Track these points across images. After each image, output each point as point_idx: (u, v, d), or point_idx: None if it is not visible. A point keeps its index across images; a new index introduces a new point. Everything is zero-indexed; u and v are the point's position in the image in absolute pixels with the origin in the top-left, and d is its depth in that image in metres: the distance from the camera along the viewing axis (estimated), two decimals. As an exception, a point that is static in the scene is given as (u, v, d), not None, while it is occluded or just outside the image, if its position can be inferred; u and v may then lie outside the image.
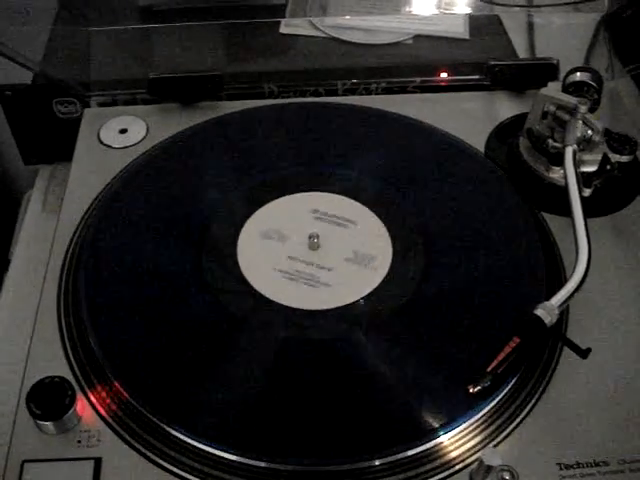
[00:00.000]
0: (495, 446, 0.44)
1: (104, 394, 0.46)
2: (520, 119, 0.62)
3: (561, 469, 0.43)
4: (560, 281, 0.52)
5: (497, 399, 0.45)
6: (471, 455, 0.44)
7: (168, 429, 0.44)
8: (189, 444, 0.44)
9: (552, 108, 0.58)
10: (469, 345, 0.48)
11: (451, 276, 0.52)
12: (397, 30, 0.75)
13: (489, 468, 0.41)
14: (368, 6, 0.76)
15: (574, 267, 0.48)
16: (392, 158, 0.61)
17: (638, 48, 0.70)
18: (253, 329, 0.49)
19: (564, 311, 0.50)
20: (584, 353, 0.45)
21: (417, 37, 0.75)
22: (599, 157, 0.56)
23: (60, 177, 0.67)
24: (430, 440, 0.44)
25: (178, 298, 0.51)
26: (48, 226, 0.59)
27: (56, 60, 0.68)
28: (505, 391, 0.46)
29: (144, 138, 0.63)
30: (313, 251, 0.54)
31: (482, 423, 0.45)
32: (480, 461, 0.41)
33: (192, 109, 0.66)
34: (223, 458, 0.43)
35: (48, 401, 0.44)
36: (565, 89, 0.61)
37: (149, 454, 0.44)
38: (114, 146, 0.62)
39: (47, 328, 0.49)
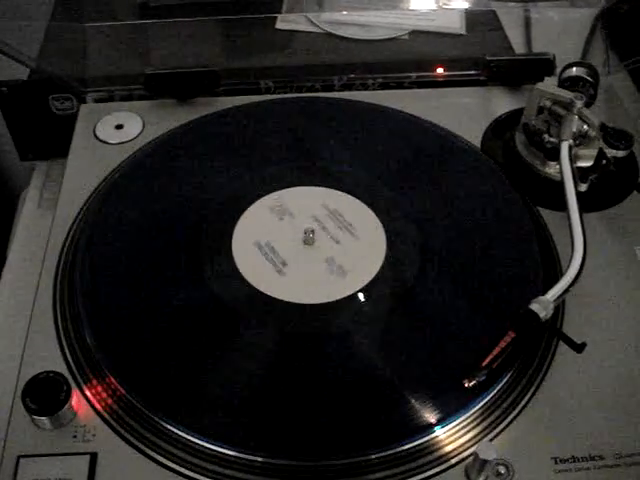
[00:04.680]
0: (491, 440, 0.44)
1: (100, 389, 0.46)
2: (516, 114, 0.62)
3: (556, 463, 0.43)
4: (556, 276, 0.52)
5: (492, 393, 0.46)
6: (466, 449, 0.44)
7: (163, 424, 0.44)
8: (185, 439, 0.44)
9: (548, 103, 0.58)
10: (465, 340, 0.48)
11: (447, 271, 0.52)
12: (393, 25, 0.75)
13: (484, 462, 0.41)
14: (364, 1, 0.76)
15: (569, 262, 0.48)
16: (388, 153, 0.61)
17: (634, 43, 0.70)
18: (248, 324, 0.49)
19: (560, 306, 0.50)
20: (579, 347, 0.45)
21: (413, 32, 0.75)
22: (595, 152, 0.57)
23: (56, 173, 0.66)
24: (426, 434, 0.44)
25: (174, 293, 0.51)
26: (44, 222, 0.59)
27: (52, 56, 0.68)
28: (500, 385, 0.46)
29: (140, 134, 0.63)
30: (308, 246, 0.54)
31: (477, 417, 0.45)
32: (475, 455, 0.41)
33: (188, 105, 0.66)
34: (219, 453, 0.43)
35: (44, 396, 0.44)
36: (561, 84, 0.61)
37: (145, 449, 0.44)
38: (110, 142, 0.62)
39: (43, 323, 0.49)
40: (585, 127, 0.56)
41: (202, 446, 0.44)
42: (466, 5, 0.75)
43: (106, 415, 0.45)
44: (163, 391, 0.46)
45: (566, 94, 0.57)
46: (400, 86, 0.69)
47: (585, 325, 0.50)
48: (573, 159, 0.55)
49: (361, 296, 0.51)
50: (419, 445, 0.44)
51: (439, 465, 0.43)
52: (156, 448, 0.44)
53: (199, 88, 0.66)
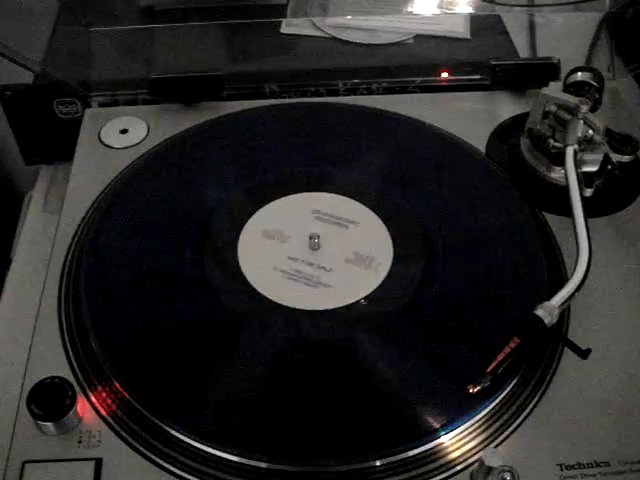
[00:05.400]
0: (496, 447, 0.44)
1: (105, 395, 0.46)
2: (521, 119, 0.62)
3: (562, 470, 0.43)
4: (561, 281, 0.52)
5: (498, 400, 0.45)
6: (472, 456, 0.44)
7: (168, 429, 0.44)
8: (189, 444, 0.44)
9: (553, 108, 0.58)
10: (470, 345, 0.48)
11: (451, 276, 0.52)
12: (398, 30, 0.75)
13: (490, 469, 0.41)
14: (369, 6, 0.76)
15: (574, 267, 0.48)
16: (393, 158, 0.61)
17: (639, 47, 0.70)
18: (253, 329, 0.49)
19: (565, 311, 0.50)
20: (584, 354, 0.45)
21: (418, 37, 0.75)
22: (600, 157, 0.56)
23: (61, 177, 0.66)
24: (431, 441, 0.44)
25: (179, 298, 0.51)
26: (49, 226, 0.59)
27: (57, 60, 0.68)
28: (506, 392, 0.46)
29: (145, 138, 0.63)
30: (314, 251, 0.54)
31: (483, 424, 0.45)
32: (481, 461, 0.41)
33: (193, 109, 0.66)
34: (223, 458, 0.43)
35: (49, 402, 0.44)
36: (566, 89, 0.61)
37: (150, 454, 0.44)
38: (115, 146, 0.62)
39: (48, 329, 0.49)
40: (590, 132, 0.56)
41: (206, 452, 0.44)
42: (471, 10, 0.75)
43: (111, 421, 0.45)
44: (168, 397, 0.46)
45: (571, 99, 0.57)
46: (404, 90, 0.69)
47: (590, 331, 0.50)
48: (578, 164, 0.55)
49: (367, 302, 0.51)
50: (424, 451, 0.44)
51: (445, 471, 0.43)
52: (161, 454, 0.44)
53: (204, 92, 0.66)
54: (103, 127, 0.64)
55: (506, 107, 0.66)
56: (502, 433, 0.45)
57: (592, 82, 0.61)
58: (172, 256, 0.53)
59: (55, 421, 0.43)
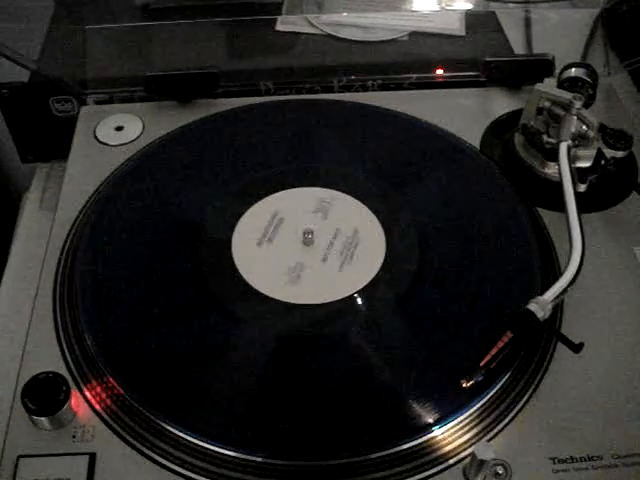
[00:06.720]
0: (489, 440, 0.44)
1: (99, 389, 0.46)
2: (515, 115, 0.63)
3: (554, 463, 0.43)
4: (555, 276, 0.52)
5: (491, 394, 0.45)
6: (465, 449, 0.44)
7: (162, 424, 0.44)
8: (183, 439, 0.44)
9: (547, 104, 0.58)
10: (463, 340, 0.48)
11: (445, 271, 0.52)
12: (393, 27, 0.75)
13: (482, 462, 0.41)
14: (364, 3, 0.76)
15: (567, 262, 0.48)
16: (387, 154, 0.61)
17: (635, 43, 0.70)
18: (247, 324, 0.49)
19: (558, 306, 0.50)
20: (577, 348, 0.45)
21: (413, 34, 0.75)
22: (594, 152, 0.57)
23: (57, 175, 0.66)
24: (424, 434, 0.44)
25: (173, 294, 0.51)
26: (45, 224, 0.59)
27: (53, 58, 0.68)
28: (499, 386, 0.46)
29: (140, 135, 0.63)
30: (307, 247, 0.54)
31: (476, 417, 0.45)
32: (473, 455, 0.41)
33: (188, 106, 0.66)
34: (218, 453, 0.43)
35: (43, 396, 0.44)
36: (560, 85, 0.61)
37: (143, 449, 0.44)
38: (110, 144, 0.62)
39: (43, 324, 0.50)
40: (584, 128, 0.56)
41: (200, 446, 0.44)
42: (466, 6, 0.75)
43: (105, 415, 0.45)
44: (162, 391, 0.46)
45: (565, 95, 0.57)
46: (400, 87, 0.69)
47: (583, 325, 0.50)
48: (572, 160, 0.55)
49: (360, 297, 0.51)
50: (417, 445, 0.44)
51: (437, 465, 0.43)
52: (155, 448, 0.44)
53: (199, 90, 0.66)
54: (98, 124, 0.64)
55: (501, 103, 0.66)
56: (495, 427, 0.45)
57: (586, 78, 0.61)
58: (166, 253, 0.54)
59: (49, 416, 0.44)
